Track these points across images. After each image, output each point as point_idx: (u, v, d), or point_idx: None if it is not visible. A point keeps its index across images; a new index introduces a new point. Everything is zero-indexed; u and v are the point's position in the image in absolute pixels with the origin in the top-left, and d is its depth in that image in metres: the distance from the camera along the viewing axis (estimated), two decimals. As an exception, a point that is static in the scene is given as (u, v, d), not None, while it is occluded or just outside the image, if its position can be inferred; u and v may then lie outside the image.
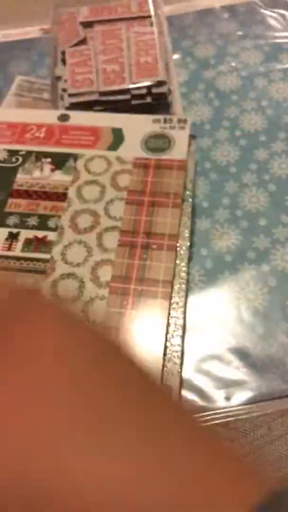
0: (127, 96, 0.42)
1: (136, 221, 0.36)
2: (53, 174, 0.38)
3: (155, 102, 0.43)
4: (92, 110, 0.42)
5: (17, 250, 0.35)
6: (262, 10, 0.52)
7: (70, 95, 0.42)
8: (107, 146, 0.39)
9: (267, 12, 0.52)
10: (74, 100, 0.42)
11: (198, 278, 0.38)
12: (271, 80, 0.47)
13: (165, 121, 0.40)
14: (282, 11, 0.52)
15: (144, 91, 0.42)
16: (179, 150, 0.39)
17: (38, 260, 0.35)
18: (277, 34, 0.50)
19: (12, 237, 0.35)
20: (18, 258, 0.35)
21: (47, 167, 0.39)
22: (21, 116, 0.41)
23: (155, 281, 0.33)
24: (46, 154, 0.39)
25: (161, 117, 0.40)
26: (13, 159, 0.39)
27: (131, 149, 0.39)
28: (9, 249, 0.35)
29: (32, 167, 0.39)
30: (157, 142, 0.39)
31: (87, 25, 0.46)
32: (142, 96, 0.42)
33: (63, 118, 0.41)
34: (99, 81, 0.42)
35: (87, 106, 0.42)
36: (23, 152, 0.39)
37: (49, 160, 0.39)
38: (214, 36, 0.51)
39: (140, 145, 0.39)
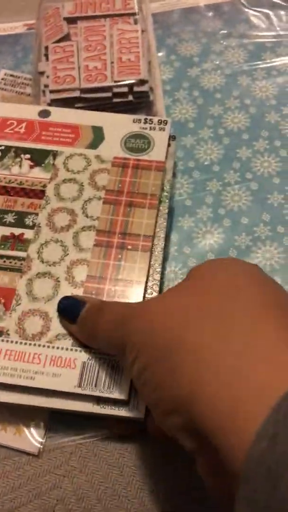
0: (109, 94, 0.41)
1: (113, 221, 0.36)
2: (32, 171, 0.38)
3: (136, 100, 0.42)
4: (74, 107, 0.42)
5: None
6: (246, 9, 0.51)
7: (52, 91, 0.41)
8: (87, 144, 0.39)
9: (251, 11, 0.51)
10: (55, 96, 0.41)
11: (181, 276, 0.38)
12: (254, 79, 0.47)
13: (145, 121, 0.40)
14: (265, 11, 0.51)
15: (125, 89, 0.41)
16: (158, 151, 0.38)
17: (14, 258, 0.34)
18: (260, 33, 0.50)
19: None
20: None
21: (26, 163, 0.38)
22: (1, 111, 0.40)
23: (129, 281, 0.33)
24: (25, 150, 0.39)
25: (141, 117, 0.40)
26: None
27: (111, 148, 0.39)
28: None
29: (11, 163, 0.38)
30: (137, 142, 0.39)
31: (71, 20, 0.45)
32: (123, 94, 0.42)
33: (44, 114, 0.40)
34: (81, 78, 0.42)
35: (68, 102, 0.42)
36: (2, 147, 0.39)
37: (28, 156, 0.39)
38: (199, 34, 0.50)
39: (120, 144, 0.39)
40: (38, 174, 0.38)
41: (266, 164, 0.43)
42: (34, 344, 0.31)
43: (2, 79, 0.48)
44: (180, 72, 0.48)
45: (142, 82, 0.42)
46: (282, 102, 0.46)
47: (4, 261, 0.34)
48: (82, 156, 0.38)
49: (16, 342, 0.31)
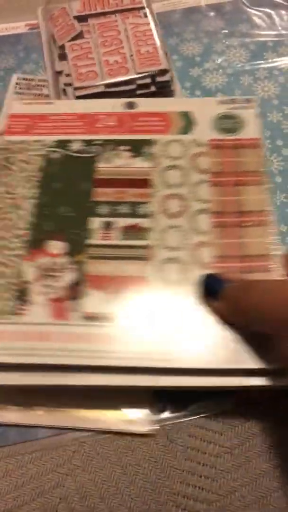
0: (133, 86, 0.42)
1: (225, 202, 0.35)
2: (133, 161, 0.37)
3: (159, 90, 0.43)
4: None
5: (115, 238, 0.34)
6: (248, 9, 0.51)
7: (76, 88, 0.42)
8: (179, 130, 0.39)
9: (252, 11, 0.51)
10: (80, 93, 0.41)
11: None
12: (256, 78, 0.47)
13: (231, 101, 0.40)
14: (267, 10, 0.51)
15: (148, 80, 0.42)
16: (251, 129, 0.38)
17: (136, 247, 0.34)
18: (262, 32, 0.50)
19: (107, 226, 0.35)
20: (117, 247, 0.34)
21: (126, 155, 0.38)
22: (87, 107, 0.41)
23: (257, 257, 0.33)
24: (122, 142, 0.38)
25: (227, 98, 0.40)
26: (90, 149, 0.38)
27: (204, 131, 0.38)
28: (106, 238, 0.34)
29: (111, 156, 0.38)
30: (228, 123, 0.39)
31: (81, 19, 0.46)
32: (146, 86, 0.42)
33: (130, 105, 0.40)
34: (103, 73, 0.42)
35: (92, 98, 0.42)
36: (99, 142, 0.38)
37: (126, 147, 0.38)
38: (200, 34, 0.50)
39: (212, 126, 0.39)
40: (140, 163, 0.37)
41: (268, 164, 0.43)
42: None
43: (16, 83, 0.48)
44: (182, 72, 0.48)
45: (163, 71, 0.42)
46: (284, 102, 0.45)
47: (128, 251, 0.34)
48: (179, 142, 0.38)
49: None
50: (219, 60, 0.49)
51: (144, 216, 0.35)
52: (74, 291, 0.32)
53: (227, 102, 0.40)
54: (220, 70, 0.48)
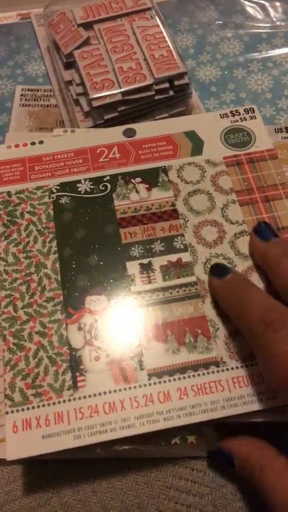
0: (152, 92, 0.40)
1: (260, 220, 0.33)
2: (151, 193, 0.34)
3: (177, 94, 0.41)
4: (116, 111, 0.39)
5: (159, 280, 0.31)
6: (242, 0, 0.51)
7: (93, 99, 0.39)
8: (190, 152, 0.36)
9: (247, 2, 0.51)
10: (98, 103, 0.39)
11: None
12: (250, 71, 0.46)
13: (232, 114, 0.38)
14: (261, 1, 0.51)
15: (167, 85, 0.40)
16: (263, 140, 0.37)
17: (186, 285, 0.31)
18: (256, 24, 0.49)
19: (146, 268, 0.31)
20: (164, 289, 0.31)
21: (142, 187, 0.34)
22: (83, 141, 0.37)
23: None
24: (133, 174, 0.35)
25: (226, 111, 0.38)
26: (101, 188, 0.35)
27: (215, 149, 0.36)
28: (149, 281, 0.31)
29: (126, 191, 0.34)
30: (238, 137, 0.37)
31: (85, 25, 0.44)
32: (164, 90, 0.40)
33: (128, 133, 0.37)
34: (120, 81, 0.40)
35: (109, 107, 0.39)
36: (107, 178, 0.35)
37: (139, 179, 0.35)
38: (194, 25, 0.49)
39: (222, 143, 0.37)
40: (160, 194, 0.34)
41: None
42: (255, 364, 0.29)
43: (22, 95, 0.45)
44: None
45: (181, 74, 0.40)
46: (277, 95, 0.45)
47: (178, 291, 0.31)
48: (192, 164, 0.36)
49: (237, 368, 0.29)
50: (213, 52, 0.48)
51: (182, 250, 0.32)
52: (132, 348, 0.29)
53: (228, 115, 0.38)
54: (214, 63, 0.47)
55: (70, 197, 0.34)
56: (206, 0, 0.51)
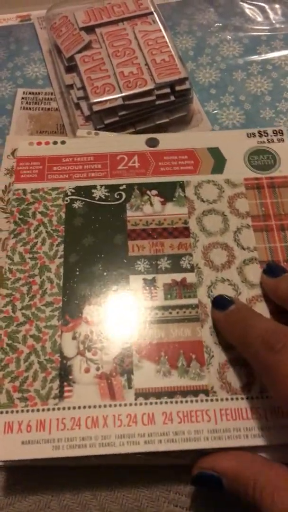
0: (153, 97, 0.39)
1: (272, 249, 0.32)
2: (165, 208, 0.34)
3: (178, 99, 0.40)
4: (117, 115, 0.39)
5: (160, 298, 0.30)
6: (241, 3, 0.51)
7: (94, 103, 0.38)
8: (211, 169, 0.35)
9: (246, 5, 0.50)
10: (99, 107, 0.38)
11: None
12: (249, 74, 0.46)
13: (260, 134, 0.37)
14: (261, 4, 0.50)
15: (168, 90, 0.40)
16: (287, 165, 0.35)
17: (186, 306, 0.30)
18: (256, 26, 0.49)
19: (149, 284, 0.31)
20: (165, 308, 0.30)
21: (156, 200, 0.34)
22: (104, 145, 0.37)
23: None
24: (150, 186, 0.34)
25: (254, 130, 0.37)
26: (115, 196, 0.34)
27: (237, 169, 0.35)
28: (151, 298, 0.30)
29: (140, 202, 0.34)
30: (262, 159, 0.36)
31: (87, 29, 0.44)
32: (165, 95, 0.40)
33: (151, 142, 0.36)
34: (120, 86, 0.39)
35: (109, 112, 0.39)
36: (124, 187, 0.34)
37: (155, 192, 0.34)
38: (194, 28, 0.49)
39: (245, 163, 0.35)
40: (174, 210, 0.34)
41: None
42: (246, 398, 0.28)
43: (23, 98, 0.45)
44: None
45: (183, 80, 0.40)
46: (277, 98, 0.44)
47: (178, 312, 0.30)
48: (211, 182, 0.35)
49: (227, 399, 0.28)
50: (213, 55, 0.47)
51: (188, 270, 0.31)
52: (123, 364, 0.29)
53: (255, 135, 0.37)
54: (214, 65, 0.47)
55: (83, 202, 0.34)
56: (205, 2, 0.51)
